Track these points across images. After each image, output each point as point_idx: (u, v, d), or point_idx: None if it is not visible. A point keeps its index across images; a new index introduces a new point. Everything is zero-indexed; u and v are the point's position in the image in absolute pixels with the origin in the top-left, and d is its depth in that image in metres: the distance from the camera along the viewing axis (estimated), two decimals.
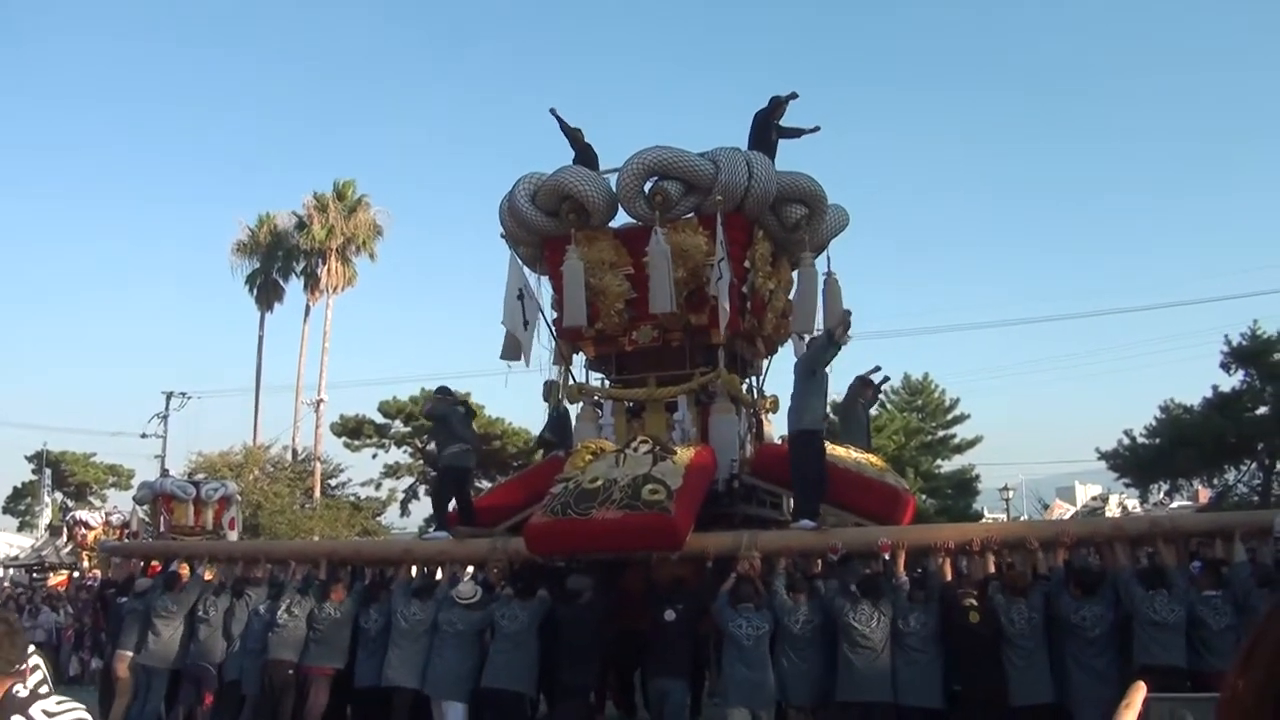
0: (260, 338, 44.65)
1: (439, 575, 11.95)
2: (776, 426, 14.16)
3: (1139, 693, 1.27)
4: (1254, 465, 27.91)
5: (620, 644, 11.14)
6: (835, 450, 12.00)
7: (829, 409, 12.69)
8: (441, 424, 12.71)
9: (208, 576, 12.51)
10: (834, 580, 9.90)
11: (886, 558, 10.02)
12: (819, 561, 10.49)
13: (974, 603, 9.18)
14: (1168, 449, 27.75)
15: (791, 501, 13.09)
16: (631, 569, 11.11)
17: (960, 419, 37.29)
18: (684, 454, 11.02)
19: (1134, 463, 29.11)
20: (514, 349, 12.78)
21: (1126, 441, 29.30)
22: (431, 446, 36.35)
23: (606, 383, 13.31)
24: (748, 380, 13.55)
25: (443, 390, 12.89)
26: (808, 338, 12.58)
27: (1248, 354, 27.03)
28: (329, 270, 41.94)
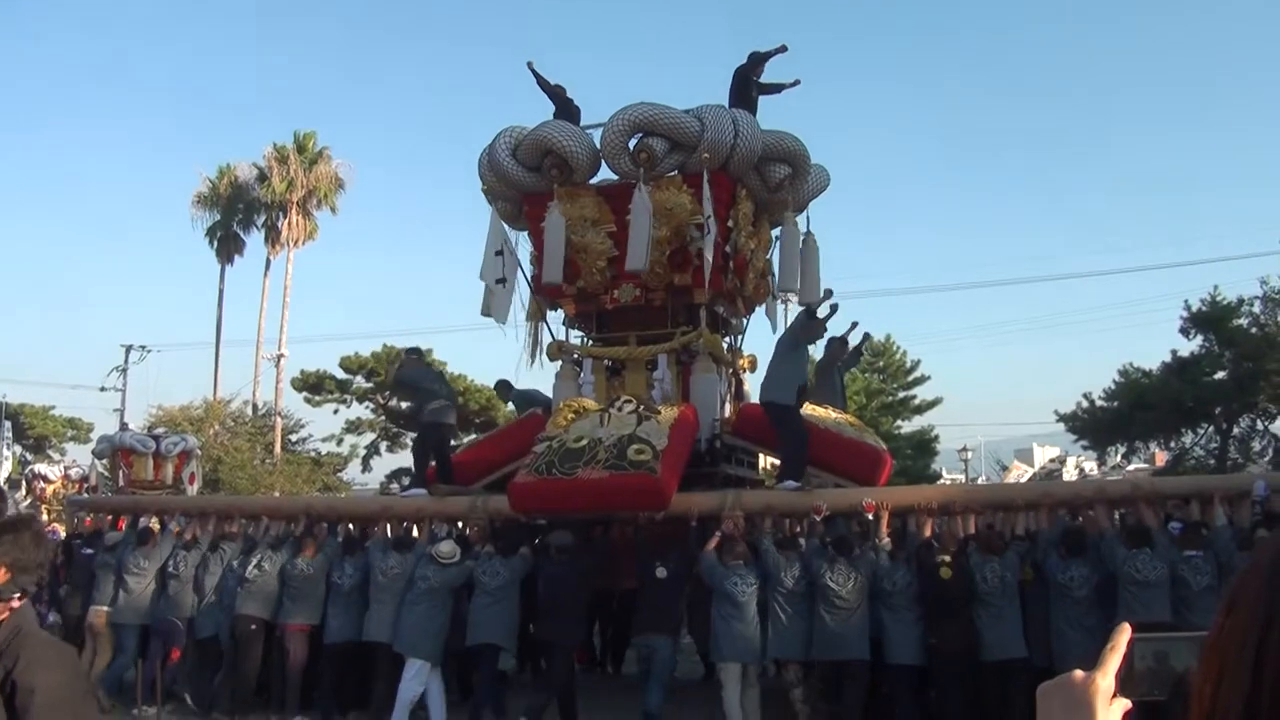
0: (220, 291, 44.06)
1: (415, 533, 11.90)
2: (753, 386, 14.23)
3: (1124, 634, 1.27)
4: (1211, 429, 28.31)
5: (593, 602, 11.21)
6: (815, 411, 12.05)
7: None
8: (415, 385, 12.61)
9: (175, 531, 12.36)
10: (813, 540, 9.98)
11: (871, 518, 10.10)
12: (802, 522, 10.56)
13: (946, 559, 9.31)
14: (1126, 412, 28.06)
15: (766, 460, 13.19)
16: (615, 527, 11.13)
17: (920, 380, 37.61)
18: (668, 414, 11.01)
19: (1092, 425, 29.43)
20: (493, 306, 12.67)
21: (1085, 404, 29.60)
22: (395, 403, 36.24)
23: (587, 341, 13.23)
24: (727, 339, 13.55)
25: (413, 351, 12.77)
26: (792, 298, 12.56)
27: (1207, 319, 27.33)
28: (290, 223, 41.24)
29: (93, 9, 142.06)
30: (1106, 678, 1.23)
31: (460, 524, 11.95)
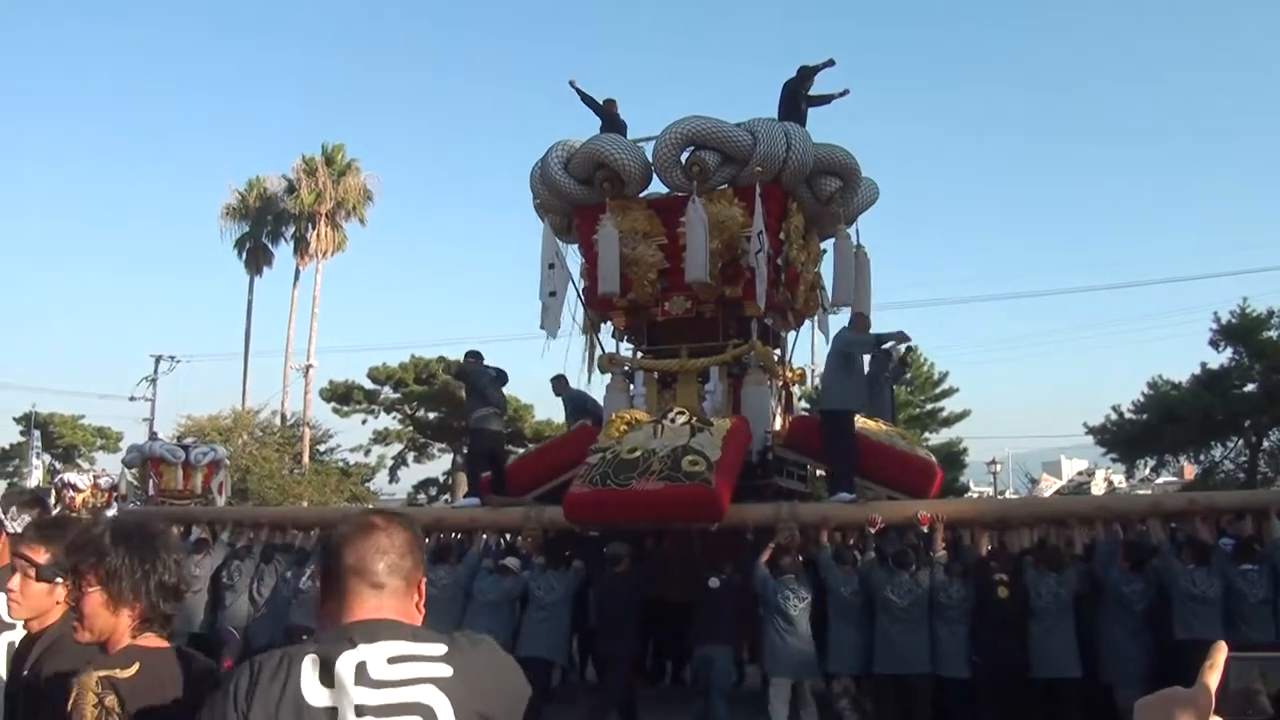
0: (249, 302, 44.16)
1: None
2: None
3: (1221, 653, 1.27)
4: (1240, 442, 28.12)
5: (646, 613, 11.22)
6: (866, 424, 12.07)
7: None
8: (471, 385, 12.66)
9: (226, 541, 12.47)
10: (870, 553, 9.99)
11: (926, 530, 10.12)
12: (855, 535, 10.59)
13: (1004, 578, 9.30)
14: (1155, 425, 27.82)
15: (818, 471, 13.21)
16: (667, 539, 11.16)
17: (949, 392, 37.39)
18: (721, 425, 11.06)
19: (1121, 438, 29.22)
20: (544, 319, 12.74)
21: (1114, 417, 29.43)
22: (421, 413, 36.13)
23: (638, 353, 13.29)
24: (778, 352, 13.60)
25: (473, 354, 12.76)
26: (844, 312, 12.63)
27: (1236, 331, 27.12)
28: (318, 235, 41.40)
29: (124, 22, 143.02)
30: (1207, 695, 1.24)
31: (508, 535, 12.04)
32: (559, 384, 14.11)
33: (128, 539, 2.65)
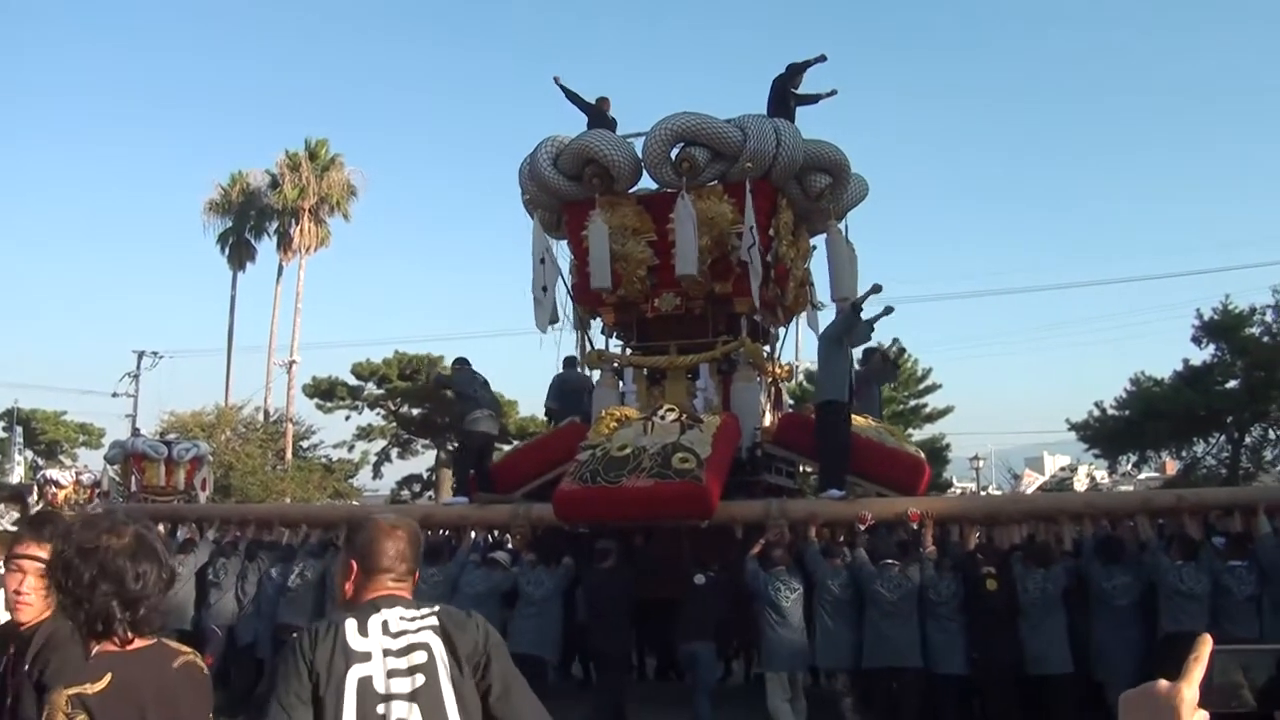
0: (232, 298, 43.97)
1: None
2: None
3: (1206, 645, 1.27)
4: (1222, 438, 28.20)
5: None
6: (856, 420, 12.07)
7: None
8: (458, 393, 12.71)
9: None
10: (860, 549, 9.99)
11: (916, 527, 10.14)
12: (845, 531, 10.59)
13: (991, 571, 9.32)
14: (1138, 421, 27.88)
15: (805, 469, 13.20)
16: (655, 536, 11.15)
17: (932, 388, 37.47)
18: (711, 422, 11.05)
19: (1103, 434, 29.27)
20: (536, 316, 12.72)
21: (1097, 413, 29.53)
22: (405, 409, 36.04)
23: (627, 350, 13.25)
24: (767, 348, 13.59)
25: (461, 360, 12.85)
26: (832, 308, 12.63)
27: (1219, 328, 27.20)
28: (302, 230, 41.26)
29: (106, 16, 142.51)
30: (1191, 688, 1.23)
31: (496, 532, 12.01)
32: (568, 362, 14.10)
33: (66, 537, 2.68)
